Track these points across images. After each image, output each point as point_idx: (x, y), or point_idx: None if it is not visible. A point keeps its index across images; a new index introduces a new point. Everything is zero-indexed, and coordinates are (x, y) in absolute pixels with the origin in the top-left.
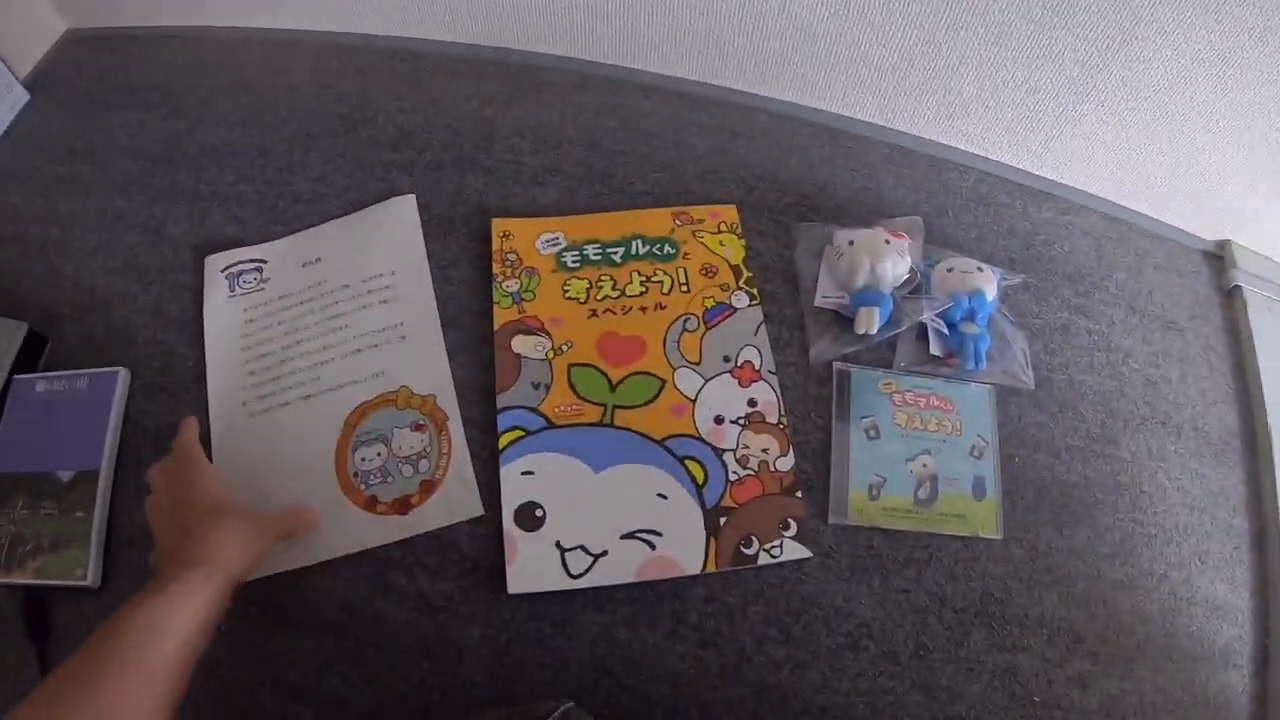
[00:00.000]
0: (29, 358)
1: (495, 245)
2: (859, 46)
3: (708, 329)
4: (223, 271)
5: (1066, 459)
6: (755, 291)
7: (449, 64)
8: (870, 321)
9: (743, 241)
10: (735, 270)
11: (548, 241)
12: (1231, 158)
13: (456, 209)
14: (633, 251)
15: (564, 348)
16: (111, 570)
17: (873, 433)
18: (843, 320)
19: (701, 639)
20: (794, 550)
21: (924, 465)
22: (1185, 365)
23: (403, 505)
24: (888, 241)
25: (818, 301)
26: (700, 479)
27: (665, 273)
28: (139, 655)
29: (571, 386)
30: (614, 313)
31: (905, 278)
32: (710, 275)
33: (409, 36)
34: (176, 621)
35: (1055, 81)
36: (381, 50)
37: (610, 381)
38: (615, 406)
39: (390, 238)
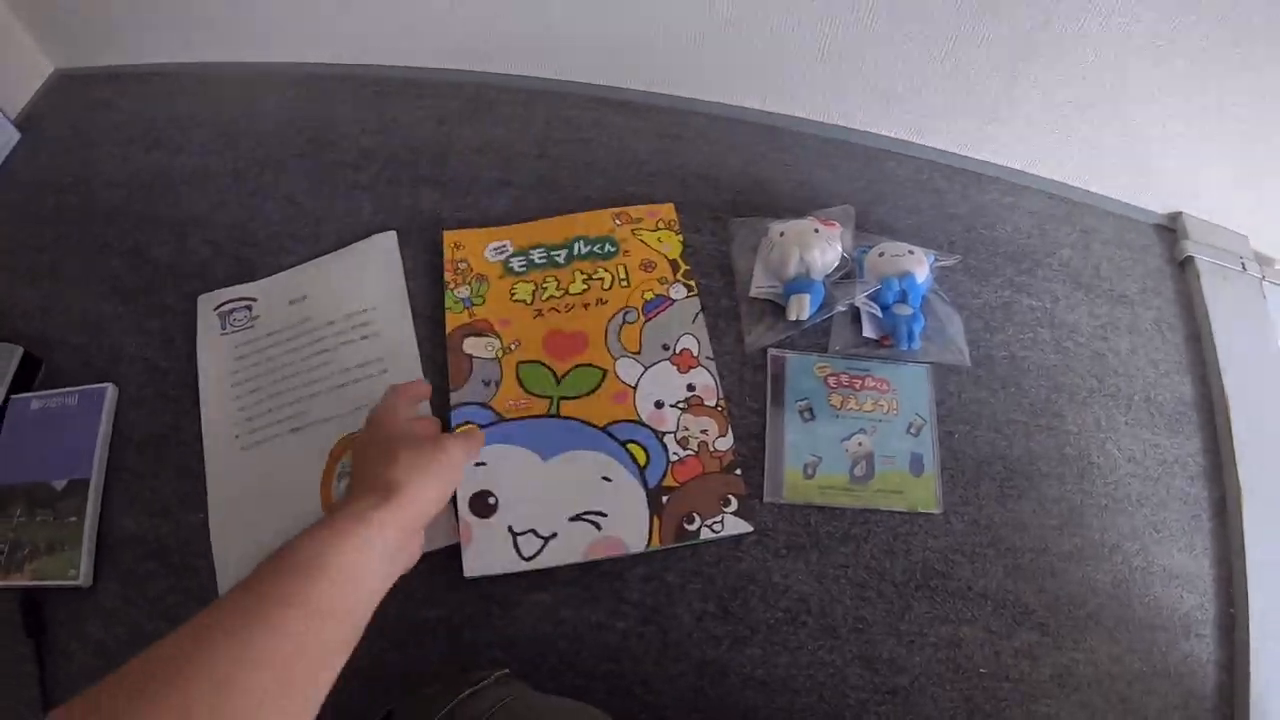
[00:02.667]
0: (25, 378)
1: (447, 255)
2: (787, 44)
3: (647, 320)
4: (215, 310)
5: (1009, 434)
6: (692, 283)
7: (408, 87)
8: (801, 308)
9: (680, 237)
10: (673, 264)
11: (496, 249)
12: (1175, 130)
13: (414, 222)
14: (575, 252)
15: (512, 346)
16: (101, 570)
17: (807, 415)
18: (777, 309)
19: (642, 616)
20: (735, 525)
21: (860, 444)
22: (1135, 337)
23: None
24: (817, 230)
25: (753, 292)
26: (642, 461)
27: (606, 270)
28: (316, 581)
29: (520, 382)
30: (558, 311)
31: (836, 264)
32: (649, 270)
33: (370, 64)
34: (342, 558)
35: (984, 65)
36: (344, 77)
37: (556, 375)
38: (561, 398)
39: (372, 274)
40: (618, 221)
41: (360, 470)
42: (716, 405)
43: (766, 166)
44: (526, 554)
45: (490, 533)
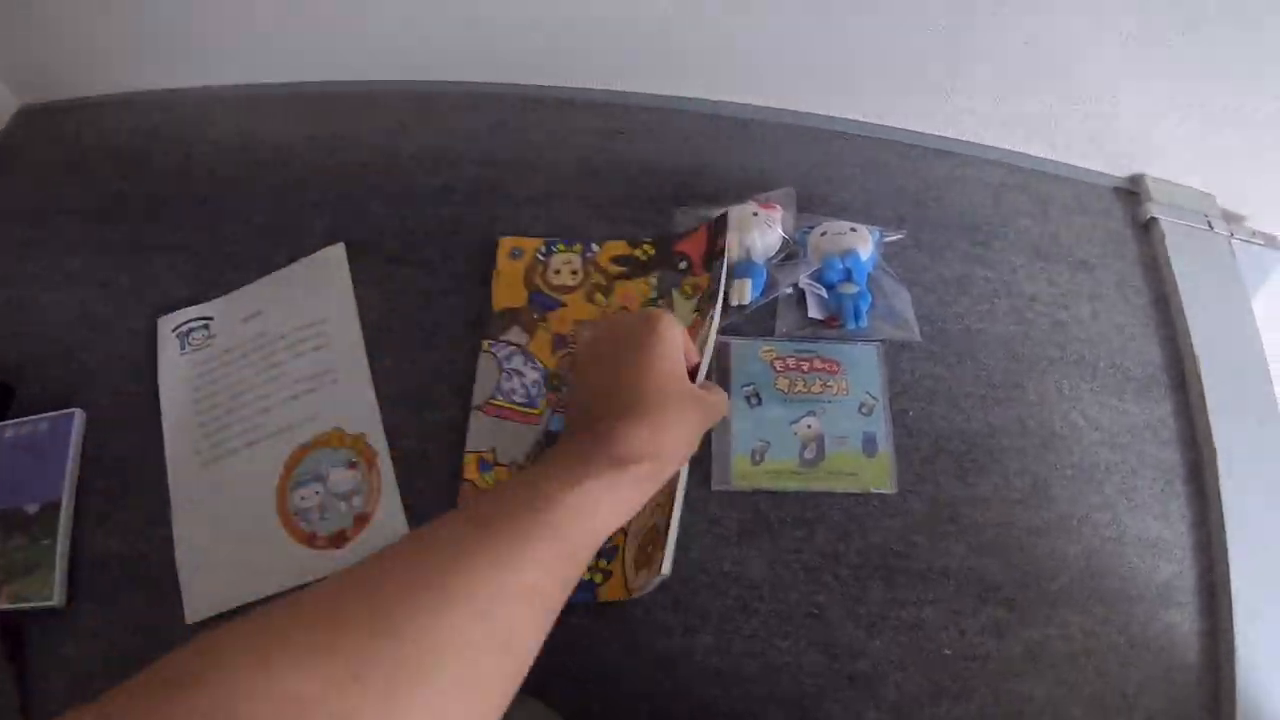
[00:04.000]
0: None
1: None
2: (725, 32)
3: None
4: (173, 331)
5: (966, 408)
6: None
7: (353, 101)
8: (743, 292)
9: None
10: None
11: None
12: (1126, 89)
13: (363, 234)
14: None
15: None
16: (76, 591)
17: (754, 400)
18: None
19: (590, 609)
20: None
21: (809, 426)
22: (1098, 303)
23: (339, 539)
24: (756, 214)
25: None
26: None
27: None
28: (567, 534)
29: None
30: None
31: (778, 247)
32: None
33: (319, 80)
34: (607, 511)
35: (925, 38)
36: (293, 96)
37: None
38: None
39: (322, 286)
40: None
41: (626, 404)
42: None
43: (711, 154)
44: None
45: None
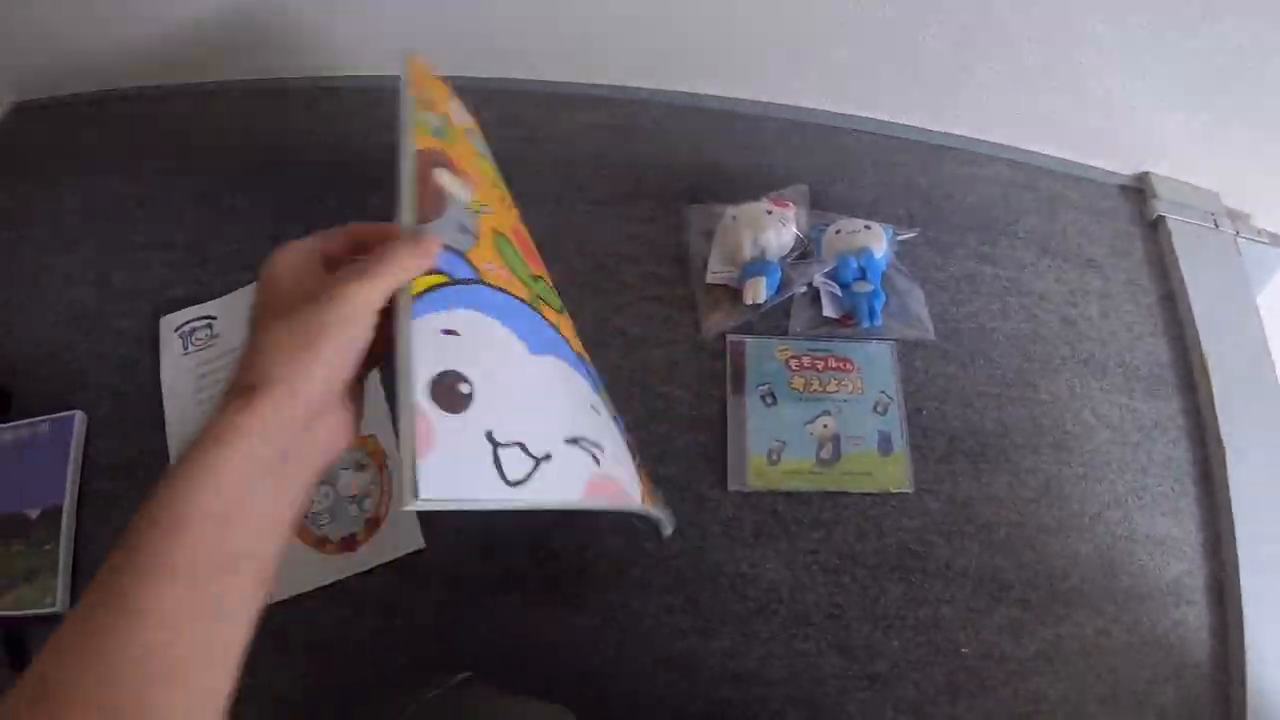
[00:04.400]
0: None
1: (411, 75)
2: (733, 27)
3: None
4: (176, 330)
5: (979, 407)
6: None
7: (359, 97)
8: (757, 291)
9: None
10: None
11: (458, 110)
12: (1135, 88)
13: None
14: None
15: (484, 209)
16: (77, 595)
17: (769, 399)
18: (735, 294)
19: (608, 612)
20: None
21: (824, 426)
22: (1106, 301)
23: (349, 543)
24: (770, 212)
25: (709, 278)
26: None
27: None
28: (152, 572)
29: (498, 250)
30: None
31: (792, 245)
32: None
33: (319, 75)
34: (204, 498)
35: (937, 35)
36: (296, 92)
37: (530, 271)
38: (538, 297)
39: None
40: None
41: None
42: None
43: (722, 152)
44: (512, 477)
45: (462, 437)
